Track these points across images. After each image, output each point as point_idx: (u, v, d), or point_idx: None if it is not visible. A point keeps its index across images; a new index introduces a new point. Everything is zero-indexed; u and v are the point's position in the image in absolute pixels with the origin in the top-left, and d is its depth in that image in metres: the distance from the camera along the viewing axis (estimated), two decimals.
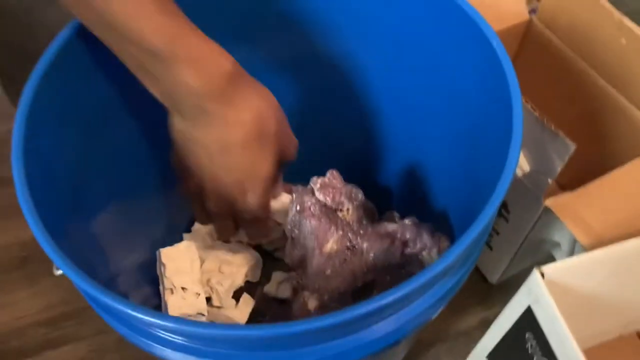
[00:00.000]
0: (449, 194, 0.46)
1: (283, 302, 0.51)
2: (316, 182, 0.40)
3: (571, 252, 0.50)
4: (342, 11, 0.43)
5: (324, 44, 0.46)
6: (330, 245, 0.38)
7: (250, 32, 0.44)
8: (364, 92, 0.49)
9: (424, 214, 0.45)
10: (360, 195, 0.46)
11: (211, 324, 0.26)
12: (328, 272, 0.37)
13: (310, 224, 0.38)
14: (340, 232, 0.38)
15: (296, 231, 0.39)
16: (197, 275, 0.44)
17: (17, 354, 0.54)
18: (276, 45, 0.46)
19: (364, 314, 0.26)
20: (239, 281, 0.48)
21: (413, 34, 0.41)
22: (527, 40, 0.60)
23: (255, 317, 0.50)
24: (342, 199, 0.40)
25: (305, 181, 0.42)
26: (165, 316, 0.27)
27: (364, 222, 0.40)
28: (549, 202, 0.47)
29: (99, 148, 0.41)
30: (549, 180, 0.46)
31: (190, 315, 0.42)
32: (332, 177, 0.40)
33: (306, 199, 0.38)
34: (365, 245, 0.39)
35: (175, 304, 0.42)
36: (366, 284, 0.40)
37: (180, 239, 0.52)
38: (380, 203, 0.50)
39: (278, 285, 0.51)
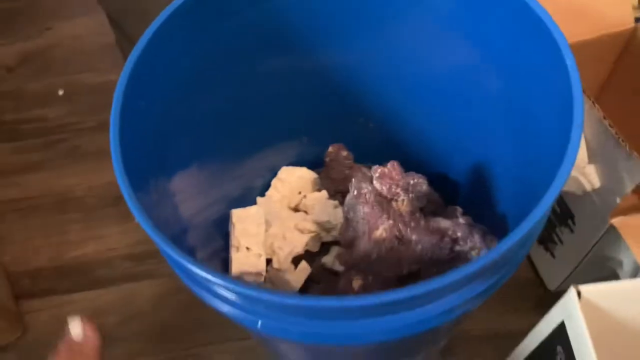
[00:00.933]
0: (509, 198, 0.46)
1: (337, 274, 0.54)
2: (376, 171, 0.42)
3: (634, 274, 0.49)
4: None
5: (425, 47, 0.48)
6: (380, 232, 0.40)
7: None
8: (446, 99, 0.50)
9: (483, 215, 0.46)
10: (424, 187, 0.47)
11: (256, 287, 0.30)
12: (374, 256, 0.40)
13: (363, 209, 0.41)
14: (391, 222, 0.41)
15: (351, 213, 0.42)
16: (262, 238, 0.48)
17: (105, 280, 0.62)
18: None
19: (396, 299, 0.28)
20: (299, 249, 0.52)
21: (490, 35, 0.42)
22: (630, 50, 0.58)
23: (309, 284, 0.54)
24: (398, 190, 0.42)
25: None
26: (217, 274, 0.30)
27: (418, 214, 0.42)
28: (615, 221, 0.47)
29: (188, 111, 0.45)
30: (618, 200, 0.45)
31: (250, 273, 0.47)
32: (392, 168, 0.42)
33: (363, 185, 0.41)
34: (414, 237, 0.41)
35: (239, 260, 0.47)
36: (412, 272, 0.42)
37: (254, 202, 0.57)
38: (447, 197, 0.52)
39: (335, 259, 0.54)
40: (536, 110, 0.40)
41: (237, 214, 0.50)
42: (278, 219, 0.55)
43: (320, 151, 0.56)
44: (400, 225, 0.41)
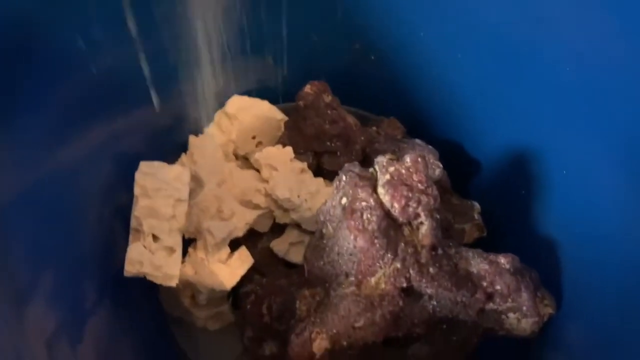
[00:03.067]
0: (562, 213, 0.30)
1: (292, 266, 0.38)
2: (385, 171, 0.24)
3: None
4: None
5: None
6: (376, 281, 0.23)
7: None
8: None
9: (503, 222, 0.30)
10: (437, 172, 0.30)
11: None
12: (359, 324, 0.23)
13: (355, 240, 0.23)
14: (398, 265, 0.23)
15: (330, 228, 0.24)
16: (179, 224, 0.30)
17: None
18: None
19: None
20: (240, 232, 0.35)
21: None
22: None
23: (250, 275, 0.37)
24: (419, 208, 0.24)
25: None
26: None
27: (440, 249, 0.25)
28: None
29: None
30: None
31: (153, 276, 0.29)
32: (415, 168, 0.24)
33: (361, 196, 0.23)
34: (429, 291, 0.24)
35: (136, 256, 0.29)
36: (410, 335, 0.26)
37: (183, 145, 0.38)
38: (456, 178, 0.35)
39: (290, 246, 0.37)
40: None
41: (144, 172, 0.31)
42: (215, 176, 0.37)
43: (292, 84, 0.37)
44: (412, 272, 0.23)
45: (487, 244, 0.34)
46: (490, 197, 0.35)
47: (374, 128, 0.37)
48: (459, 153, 0.37)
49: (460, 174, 0.37)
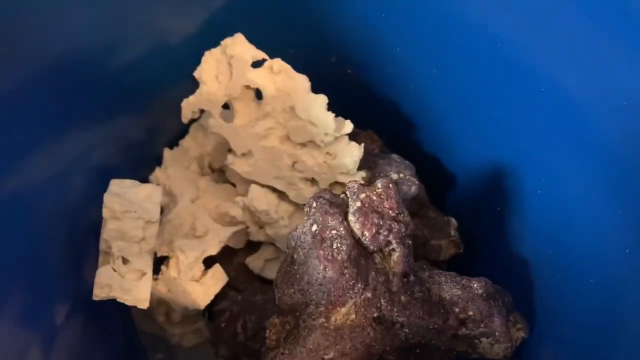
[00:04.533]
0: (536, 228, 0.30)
1: (268, 282, 0.38)
2: (357, 197, 0.23)
3: None
4: None
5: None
6: (346, 312, 0.23)
7: None
8: None
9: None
10: (413, 188, 0.30)
11: None
12: (329, 356, 0.23)
13: (324, 270, 0.23)
14: (369, 295, 0.23)
15: (301, 255, 0.24)
16: (150, 245, 0.30)
17: None
18: None
19: None
20: (214, 250, 0.34)
21: None
22: None
23: (225, 292, 0.37)
24: (390, 237, 0.24)
25: None
26: None
27: (412, 276, 0.24)
28: None
29: None
30: None
31: (121, 300, 0.29)
32: (386, 194, 0.23)
33: (331, 224, 0.23)
34: (401, 319, 0.24)
35: (105, 280, 0.28)
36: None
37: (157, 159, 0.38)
38: (432, 189, 0.35)
39: (265, 263, 0.37)
40: None
41: (113, 192, 0.30)
42: (190, 191, 0.36)
43: None
44: (383, 301, 0.23)
45: (462, 259, 0.34)
46: (466, 213, 0.35)
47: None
48: (436, 168, 0.37)
49: (437, 188, 0.36)
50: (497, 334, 0.25)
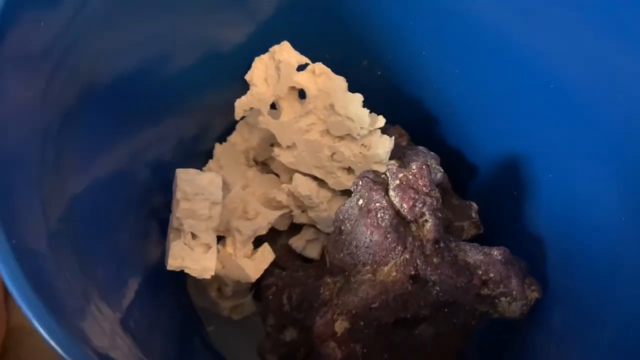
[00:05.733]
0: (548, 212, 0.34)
1: (308, 260, 0.42)
2: (395, 176, 0.28)
3: None
4: None
5: None
6: (388, 270, 0.28)
7: None
8: None
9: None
10: (439, 175, 0.34)
11: None
12: (375, 305, 0.27)
13: (371, 235, 0.28)
14: (407, 256, 0.28)
15: (348, 226, 0.29)
16: (215, 223, 0.35)
17: None
18: None
19: None
20: (263, 230, 0.39)
21: None
22: None
23: (271, 268, 0.41)
24: (424, 208, 0.28)
25: None
26: None
27: (442, 243, 0.29)
28: None
29: None
30: None
31: (192, 269, 0.34)
32: (420, 174, 0.28)
33: (375, 198, 0.28)
34: (433, 278, 0.28)
35: (178, 253, 0.34)
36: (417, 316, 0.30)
37: (210, 148, 0.43)
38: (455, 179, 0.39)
39: (307, 243, 0.42)
40: None
41: (183, 179, 0.35)
42: (240, 180, 0.41)
43: None
44: (419, 262, 0.28)
45: (482, 239, 0.39)
46: (486, 198, 0.40)
47: None
48: (458, 158, 0.41)
49: (460, 177, 0.41)
50: (514, 292, 0.29)
